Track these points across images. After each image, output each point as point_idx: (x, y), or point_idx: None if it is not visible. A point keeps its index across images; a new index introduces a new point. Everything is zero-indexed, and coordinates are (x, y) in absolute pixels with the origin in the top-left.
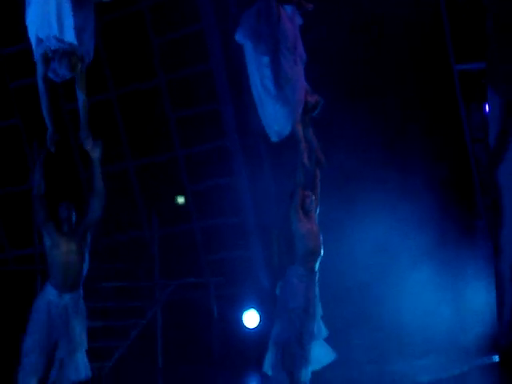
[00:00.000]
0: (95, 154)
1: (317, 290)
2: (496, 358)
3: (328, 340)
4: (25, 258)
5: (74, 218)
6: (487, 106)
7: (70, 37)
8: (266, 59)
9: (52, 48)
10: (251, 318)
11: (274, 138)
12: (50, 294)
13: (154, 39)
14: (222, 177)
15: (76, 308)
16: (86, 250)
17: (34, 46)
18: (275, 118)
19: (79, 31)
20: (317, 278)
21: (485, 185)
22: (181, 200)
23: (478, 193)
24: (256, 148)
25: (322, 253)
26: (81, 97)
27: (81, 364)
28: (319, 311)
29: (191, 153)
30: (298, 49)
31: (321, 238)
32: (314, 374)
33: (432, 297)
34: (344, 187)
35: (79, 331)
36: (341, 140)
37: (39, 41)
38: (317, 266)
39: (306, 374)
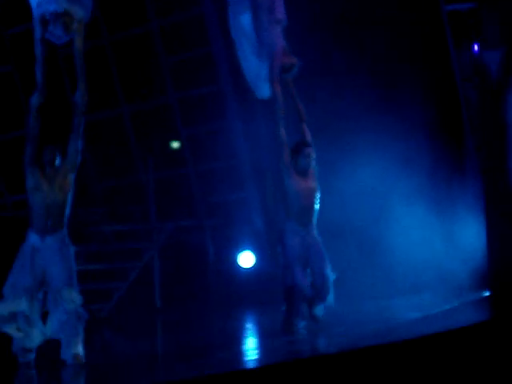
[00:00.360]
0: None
1: (318, 240)
2: (487, 294)
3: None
4: (23, 204)
5: (57, 162)
6: (476, 46)
7: None
8: (244, 18)
9: (50, 10)
10: (246, 259)
11: (258, 95)
12: (32, 238)
13: None
14: (216, 120)
15: (60, 247)
16: (68, 192)
17: (33, 9)
18: (257, 76)
19: None
20: (315, 230)
21: (474, 123)
22: (175, 144)
23: (468, 131)
24: (249, 91)
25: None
26: (78, 59)
27: (68, 301)
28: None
29: (185, 97)
30: (275, 10)
31: (317, 194)
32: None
33: (424, 235)
34: (332, 128)
35: (64, 269)
36: (329, 80)
37: (38, 4)
38: (313, 219)
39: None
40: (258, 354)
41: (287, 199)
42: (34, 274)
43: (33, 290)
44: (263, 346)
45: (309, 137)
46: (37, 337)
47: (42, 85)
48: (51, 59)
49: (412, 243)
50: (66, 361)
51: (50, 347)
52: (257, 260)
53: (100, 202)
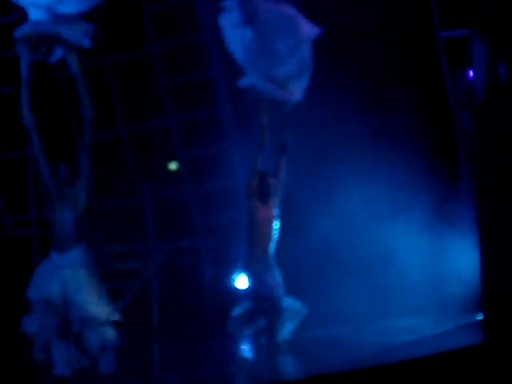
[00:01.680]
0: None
1: (276, 273)
2: (480, 317)
3: (312, 300)
4: (21, 224)
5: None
6: (471, 72)
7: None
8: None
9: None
10: (243, 281)
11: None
12: (52, 255)
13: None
14: (215, 143)
15: (80, 263)
16: (82, 209)
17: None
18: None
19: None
20: (273, 260)
21: (468, 149)
22: (174, 166)
23: (462, 157)
24: (247, 116)
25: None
26: (79, 79)
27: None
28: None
29: (184, 120)
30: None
31: (275, 225)
32: (305, 335)
33: (418, 258)
34: (325, 154)
35: (86, 286)
36: (322, 107)
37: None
38: (272, 249)
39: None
40: (249, 374)
41: (248, 226)
42: (53, 290)
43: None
44: (255, 367)
45: (282, 169)
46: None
47: (28, 106)
48: (45, 79)
49: (406, 266)
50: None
51: None
52: None
53: (98, 223)
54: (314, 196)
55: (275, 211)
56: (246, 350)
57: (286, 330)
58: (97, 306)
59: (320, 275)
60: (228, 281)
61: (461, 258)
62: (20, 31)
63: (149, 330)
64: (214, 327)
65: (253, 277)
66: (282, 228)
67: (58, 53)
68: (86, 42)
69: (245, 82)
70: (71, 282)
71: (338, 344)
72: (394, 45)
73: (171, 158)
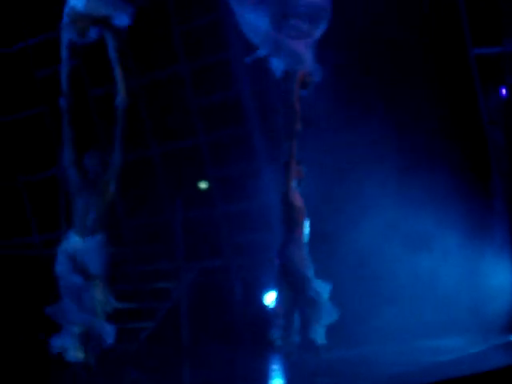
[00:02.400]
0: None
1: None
2: None
3: (345, 320)
4: (52, 243)
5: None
6: (504, 90)
7: None
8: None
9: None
10: (273, 299)
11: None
12: (72, 239)
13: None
14: (244, 162)
15: (99, 249)
16: (109, 200)
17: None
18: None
19: None
20: (306, 242)
21: (502, 166)
22: (203, 185)
23: (496, 174)
24: (276, 133)
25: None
26: (114, 62)
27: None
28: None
29: (214, 138)
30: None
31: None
32: (333, 355)
33: (452, 277)
34: (359, 169)
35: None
36: (351, 122)
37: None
38: (306, 235)
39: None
40: None
41: (288, 212)
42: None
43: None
44: None
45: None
46: None
47: (67, 87)
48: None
49: (440, 284)
50: None
51: None
52: None
53: (128, 242)
54: (349, 215)
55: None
56: (277, 369)
57: (320, 329)
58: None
59: (357, 294)
60: (259, 300)
61: (497, 278)
62: (66, 12)
63: (179, 349)
64: (245, 347)
65: (283, 256)
66: (317, 246)
67: (93, 33)
68: (125, 20)
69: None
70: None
71: (375, 363)
72: (426, 62)
73: (201, 177)
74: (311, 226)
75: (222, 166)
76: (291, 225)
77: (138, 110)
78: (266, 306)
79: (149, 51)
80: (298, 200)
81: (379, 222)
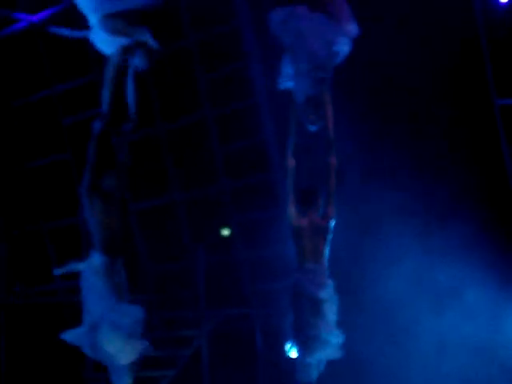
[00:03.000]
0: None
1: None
2: None
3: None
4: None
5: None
6: None
7: None
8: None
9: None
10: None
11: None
12: (95, 260)
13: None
14: (267, 208)
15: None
16: (125, 220)
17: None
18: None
19: None
20: (326, 270)
21: None
22: (226, 231)
23: None
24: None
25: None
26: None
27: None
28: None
29: (237, 185)
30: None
31: (326, 234)
32: None
33: (478, 331)
34: (377, 216)
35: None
36: (373, 165)
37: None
38: (324, 262)
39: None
40: None
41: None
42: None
43: None
44: None
45: (332, 184)
46: None
47: (108, 110)
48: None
49: (467, 340)
50: None
51: None
52: None
53: (149, 287)
54: (374, 269)
55: (327, 223)
56: None
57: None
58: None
59: (383, 349)
60: (282, 350)
61: None
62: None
63: None
64: None
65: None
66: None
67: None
68: (154, 43)
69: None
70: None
71: None
72: (448, 113)
73: (224, 223)
74: (336, 279)
75: (245, 212)
76: (301, 253)
77: (162, 157)
78: (288, 357)
79: (175, 96)
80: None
81: (405, 275)
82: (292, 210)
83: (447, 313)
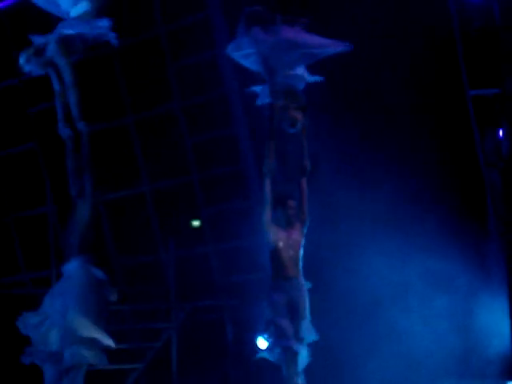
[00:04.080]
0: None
1: (303, 293)
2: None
3: (337, 365)
4: (42, 281)
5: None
6: (501, 131)
7: None
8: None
9: None
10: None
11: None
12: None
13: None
14: (238, 200)
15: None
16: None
17: None
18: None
19: None
20: (303, 286)
21: (499, 209)
22: (196, 223)
23: (492, 217)
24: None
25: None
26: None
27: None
28: (307, 317)
29: (207, 175)
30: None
31: (300, 249)
32: None
33: (443, 321)
34: (353, 212)
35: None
36: (348, 162)
37: None
38: (299, 274)
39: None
40: None
41: (270, 254)
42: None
43: None
44: None
45: (304, 192)
46: None
47: (63, 117)
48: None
49: (433, 331)
50: None
51: None
52: None
53: (119, 280)
54: (343, 264)
55: (300, 236)
56: None
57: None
58: (83, 322)
59: (343, 341)
60: (251, 341)
61: (489, 325)
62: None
63: None
64: None
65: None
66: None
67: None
68: (111, 36)
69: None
70: (67, 293)
71: None
72: (422, 103)
73: (194, 215)
74: (308, 273)
75: (215, 203)
76: (276, 268)
77: (131, 147)
78: (258, 348)
79: (143, 87)
80: (283, 237)
81: (376, 264)
82: (268, 222)
83: (414, 300)
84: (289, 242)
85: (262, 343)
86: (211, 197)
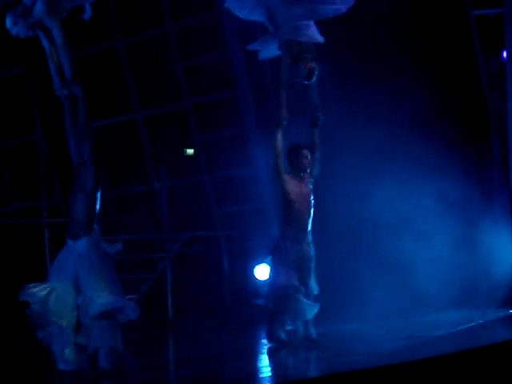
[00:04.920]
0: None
1: (311, 249)
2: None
3: (340, 294)
4: (31, 211)
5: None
6: (505, 53)
7: None
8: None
9: None
10: (263, 272)
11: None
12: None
13: None
14: (233, 127)
15: (88, 253)
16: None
17: None
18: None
19: None
20: (310, 237)
21: (502, 134)
22: (190, 151)
23: (495, 142)
24: (266, 97)
25: (312, 214)
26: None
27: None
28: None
29: (200, 103)
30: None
31: (311, 199)
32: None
33: (449, 251)
34: (360, 153)
35: (91, 274)
36: (348, 88)
37: None
38: (308, 226)
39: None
40: (272, 371)
41: (283, 204)
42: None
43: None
44: (278, 363)
45: (317, 143)
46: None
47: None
48: None
49: (436, 259)
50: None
51: None
52: None
53: (112, 211)
54: (344, 194)
55: (309, 186)
56: (266, 344)
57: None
58: (104, 297)
59: (347, 270)
60: (247, 272)
61: (493, 252)
62: None
63: (163, 323)
64: (232, 321)
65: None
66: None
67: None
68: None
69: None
70: (81, 270)
71: (365, 339)
72: (424, 25)
73: (187, 143)
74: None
75: (209, 131)
76: (288, 218)
77: (122, 73)
78: (255, 279)
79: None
80: (295, 187)
81: (380, 195)
82: (282, 172)
83: (416, 229)
84: (301, 195)
85: (258, 273)
86: (206, 125)
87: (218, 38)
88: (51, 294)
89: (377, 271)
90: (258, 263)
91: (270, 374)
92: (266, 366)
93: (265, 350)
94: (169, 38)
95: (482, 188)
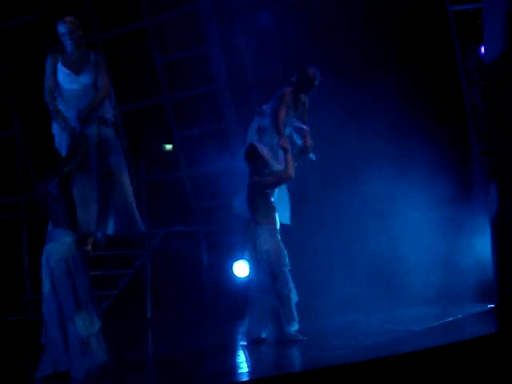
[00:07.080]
0: None
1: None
2: (491, 306)
3: (321, 290)
4: (10, 207)
5: None
6: (483, 48)
7: None
8: None
9: None
10: (241, 268)
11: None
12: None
13: None
14: (211, 122)
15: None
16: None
17: None
18: None
19: None
20: (278, 229)
21: (480, 129)
22: (169, 147)
23: (473, 137)
24: (245, 92)
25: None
26: None
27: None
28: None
29: (179, 98)
30: None
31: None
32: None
33: (428, 246)
34: (340, 136)
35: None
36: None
37: None
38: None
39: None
40: (249, 366)
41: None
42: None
43: None
44: (256, 358)
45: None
46: None
47: None
48: None
49: (415, 255)
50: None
51: None
52: None
53: None
54: (323, 191)
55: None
56: (245, 341)
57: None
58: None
59: (329, 265)
60: (226, 267)
61: (474, 246)
62: None
63: (142, 318)
64: (211, 315)
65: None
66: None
67: None
68: None
69: None
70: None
71: (344, 334)
72: (401, 20)
73: (165, 138)
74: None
75: (187, 126)
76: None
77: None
78: (234, 274)
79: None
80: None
81: (360, 192)
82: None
83: (397, 226)
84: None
85: (237, 269)
86: (184, 120)
87: (196, 33)
88: None
89: (355, 267)
90: (237, 260)
91: (248, 369)
92: (245, 362)
93: (244, 346)
94: (147, 33)
95: (460, 186)
